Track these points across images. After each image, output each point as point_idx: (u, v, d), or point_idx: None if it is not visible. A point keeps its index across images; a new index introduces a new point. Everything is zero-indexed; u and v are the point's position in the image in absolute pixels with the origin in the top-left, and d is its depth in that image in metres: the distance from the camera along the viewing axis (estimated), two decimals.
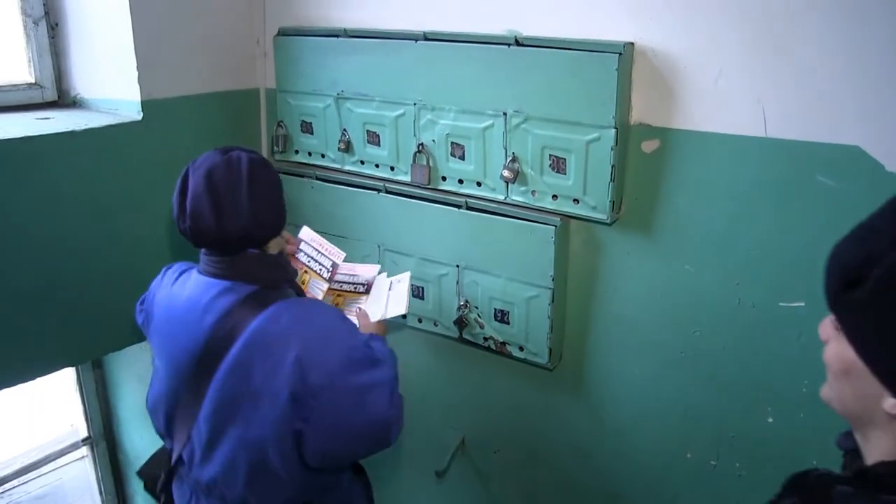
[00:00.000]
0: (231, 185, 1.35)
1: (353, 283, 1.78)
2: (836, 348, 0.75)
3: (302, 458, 1.39)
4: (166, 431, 1.49)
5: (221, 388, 1.36)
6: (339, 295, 1.78)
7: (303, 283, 1.74)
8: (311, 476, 1.44)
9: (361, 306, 1.74)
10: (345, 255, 1.77)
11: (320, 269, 1.76)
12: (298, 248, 1.76)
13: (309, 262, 1.77)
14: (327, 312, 1.45)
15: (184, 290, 1.44)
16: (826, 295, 0.75)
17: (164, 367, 1.46)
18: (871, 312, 0.69)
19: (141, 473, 1.74)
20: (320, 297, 1.74)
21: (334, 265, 1.76)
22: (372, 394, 1.37)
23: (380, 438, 1.41)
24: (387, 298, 1.72)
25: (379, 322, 1.66)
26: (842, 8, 1.29)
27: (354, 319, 1.64)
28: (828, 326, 0.77)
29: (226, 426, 1.38)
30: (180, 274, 1.50)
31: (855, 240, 0.74)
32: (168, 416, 1.46)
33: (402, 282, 1.74)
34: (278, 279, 1.45)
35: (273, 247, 1.47)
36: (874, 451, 0.75)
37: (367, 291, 1.77)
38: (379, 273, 1.78)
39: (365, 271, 1.79)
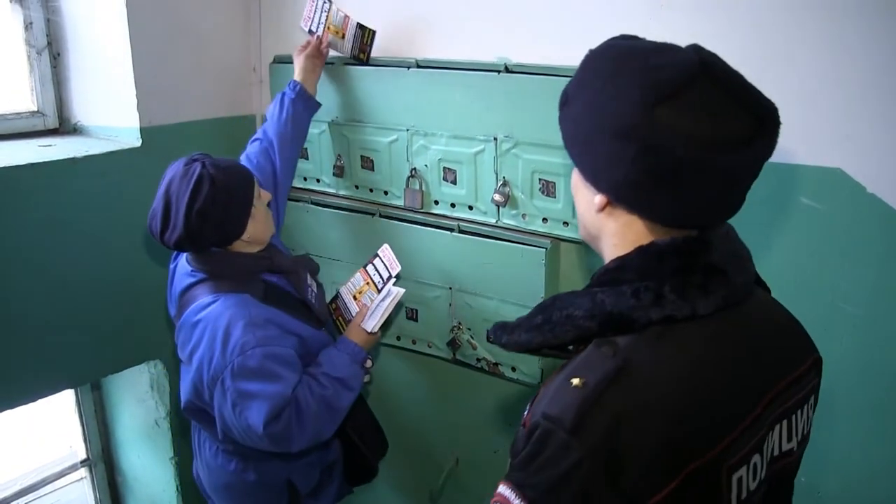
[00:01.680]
0: (177, 198, 1.45)
1: (380, 277, 1.72)
2: (572, 176, 0.92)
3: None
4: None
5: (176, 345, 1.61)
6: (366, 283, 1.75)
7: (360, 292, 1.76)
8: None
9: (367, 304, 1.70)
10: (399, 268, 1.71)
11: (378, 282, 1.73)
12: (371, 262, 1.76)
13: (373, 274, 1.76)
14: (247, 315, 1.48)
15: (176, 264, 1.68)
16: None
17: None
18: (567, 122, 0.87)
19: None
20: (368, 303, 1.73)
21: (389, 277, 1.71)
22: (251, 403, 1.44)
23: (262, 445, 1.47)
24: (374, 308, 1.67)
25: (361, 329, 1.64)
26: (824, 37, 1.33)
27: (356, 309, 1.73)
28: None
29: (182, 371, 1.62)
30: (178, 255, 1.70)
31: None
32: None
33: (389, 297, 1.67)
34: (232, 275, 1.55)
35: (240, 246, 1.56)
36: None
37: (381, 290, 1.71)
38: (395, 275, 1.70)
39: (393, 269, 1.71)
